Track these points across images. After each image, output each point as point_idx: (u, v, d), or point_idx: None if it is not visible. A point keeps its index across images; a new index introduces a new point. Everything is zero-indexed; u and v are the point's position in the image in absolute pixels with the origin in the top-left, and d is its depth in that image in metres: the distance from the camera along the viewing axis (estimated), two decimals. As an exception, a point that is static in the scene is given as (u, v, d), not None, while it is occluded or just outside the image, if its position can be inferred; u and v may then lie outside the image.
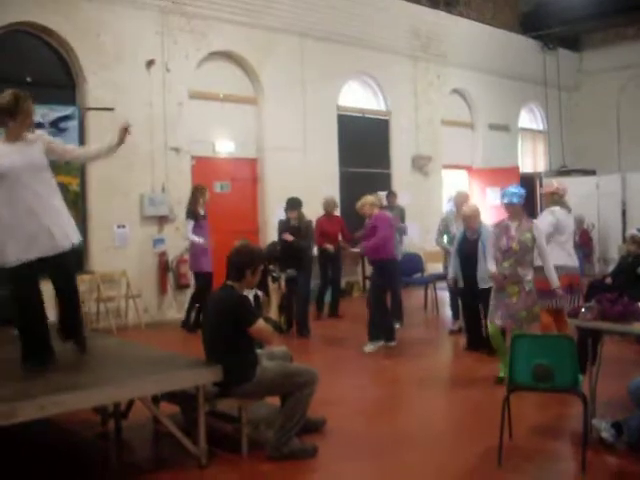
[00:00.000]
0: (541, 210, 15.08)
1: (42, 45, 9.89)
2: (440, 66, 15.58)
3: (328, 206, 11.01)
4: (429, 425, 5.73)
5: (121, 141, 5.06)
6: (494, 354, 7.20)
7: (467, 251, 7.94)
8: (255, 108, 12.28)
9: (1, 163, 4.64)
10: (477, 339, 8.18)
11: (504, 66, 16.99)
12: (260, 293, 5.64)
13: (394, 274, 8.96)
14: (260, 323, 4.93)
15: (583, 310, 5.28)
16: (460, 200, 9.29)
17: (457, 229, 8.78)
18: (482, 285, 7.65)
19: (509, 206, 6.76)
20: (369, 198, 8.78)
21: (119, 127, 5.06)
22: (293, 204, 9.68)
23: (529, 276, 6.69)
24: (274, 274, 8.77)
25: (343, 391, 6.68)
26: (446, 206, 15.83)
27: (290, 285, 9.29)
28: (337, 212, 11.39)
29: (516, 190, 6.90)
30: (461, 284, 8.15)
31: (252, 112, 12.26)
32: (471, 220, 7.97)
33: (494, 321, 6.76)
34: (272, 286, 8.88)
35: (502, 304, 6.70)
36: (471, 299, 8.09)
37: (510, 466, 4.68)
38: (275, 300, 5.62)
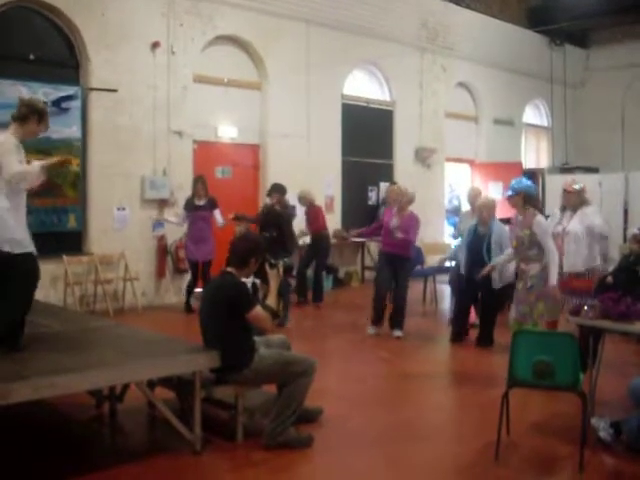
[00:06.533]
0: (544, 206, 15.14)
1: (46, 23, 9.75)
2: (446, 58, 15.47)
3: (302, 200, 11.02)
4: (426, 418, 5.71)
5: (54, 166, 5.03)
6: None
7: (475, 246, 7.88)
8: (259, 94, 12.18)
9: None
10: (460, 332, 8.27)
11: (510, 60, 16.88)
12: (257, 281, 5.60)
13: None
14: (258, 309, 4.93)
15: (586, 308, 5.25)
16: (473, 195, 9.19)
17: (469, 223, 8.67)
18: (495, 285, 7.67)
19: (507, 199, 6.91)
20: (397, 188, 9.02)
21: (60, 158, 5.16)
22: (275, 188, 9.64)
23: (532, 272, 6.68)
24: (272, 261, 8.79)
25: (340, 382, 6.66)
26: (448, 201, 15.85)
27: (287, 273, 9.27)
28: (315, 202, 11.33)
29: (514, 182, 6.97)
30: (462, 271, 8.13)
31: (256, 98, 12.16)
32: (484, 210, 7.90)
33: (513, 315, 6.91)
34: (271, 272, 8.90)
35: (515, 298, 6.83)
36: (466, 293, 8.10)
37: (507, 462, 4.66)
38: (274, 286, 5.58)
